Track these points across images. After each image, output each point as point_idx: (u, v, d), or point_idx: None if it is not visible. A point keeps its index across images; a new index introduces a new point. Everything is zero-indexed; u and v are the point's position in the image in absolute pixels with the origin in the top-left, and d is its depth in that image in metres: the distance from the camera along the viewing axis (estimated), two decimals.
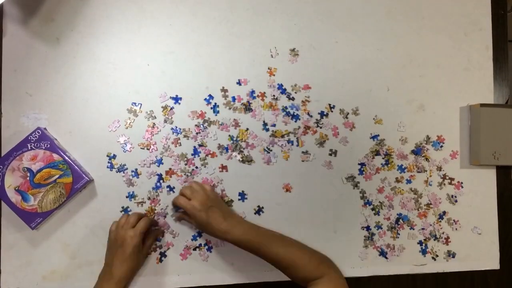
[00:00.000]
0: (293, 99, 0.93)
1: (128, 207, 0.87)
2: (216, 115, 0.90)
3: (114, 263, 0.78)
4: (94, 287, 0.79)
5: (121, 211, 0.87)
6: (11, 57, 0.86)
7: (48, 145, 0.82)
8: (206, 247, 0.89)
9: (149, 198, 0.87)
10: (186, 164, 0.89)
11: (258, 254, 0.80)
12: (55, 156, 0.82)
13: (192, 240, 0.88)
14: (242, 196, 0.90)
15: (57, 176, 0.82)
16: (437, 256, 0.95)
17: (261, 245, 0.78)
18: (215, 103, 0.90)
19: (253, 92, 0.91)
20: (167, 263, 0.88)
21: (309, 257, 0.79)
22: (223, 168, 0.90)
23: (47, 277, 0.85)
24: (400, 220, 0.94)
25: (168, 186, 0.88)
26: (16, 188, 0.81)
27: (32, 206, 0.81)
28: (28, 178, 0.81)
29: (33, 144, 0.81)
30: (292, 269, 0.79)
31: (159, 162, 0.88)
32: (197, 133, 0.89)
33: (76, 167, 0.82)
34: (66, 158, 0.82)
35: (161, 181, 0.88)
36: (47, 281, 0.85)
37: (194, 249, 0.88)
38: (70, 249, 0.85)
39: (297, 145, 0.92)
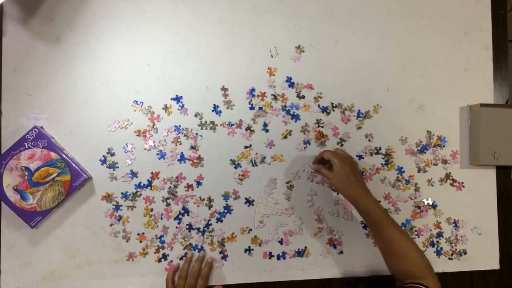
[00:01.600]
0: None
1: (121, 205, 0.87)
2: (219, 115, 0.90)
3: None
4: None
5: (116, 209, 0.87)
6: (11, 57, 0.86)
7: (45, 144, 0.82)
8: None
9: (141, 200, 0.88)
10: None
11: (376, 229, 0.82)
12: (53, 154, 0.82)
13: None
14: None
15: (55, 174, 0.82)
16: (437, 256, 0.95)
17: (383, 222, 0.80)
18: (215, 104, 0.90)
19: (253, 90, 0.92)
20: (167, 263, 0.88)
21: (422, 257, 0.80)
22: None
23: (47, 277, 0.85)
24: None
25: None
26: (15, 187, 0.81)
27: (31, 205, 0.81)
28: (26, 177, 0.81)
29: (30, 143, 0.81)
30: (402, 259, 0.80)
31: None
32: (196, 134, 0.89)
33: (74, 165, 0.82)
34: (64, 156, 0.82)
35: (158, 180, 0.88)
36: (47, 281, 0.85)
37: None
38: (70, 248, 0.85)
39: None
